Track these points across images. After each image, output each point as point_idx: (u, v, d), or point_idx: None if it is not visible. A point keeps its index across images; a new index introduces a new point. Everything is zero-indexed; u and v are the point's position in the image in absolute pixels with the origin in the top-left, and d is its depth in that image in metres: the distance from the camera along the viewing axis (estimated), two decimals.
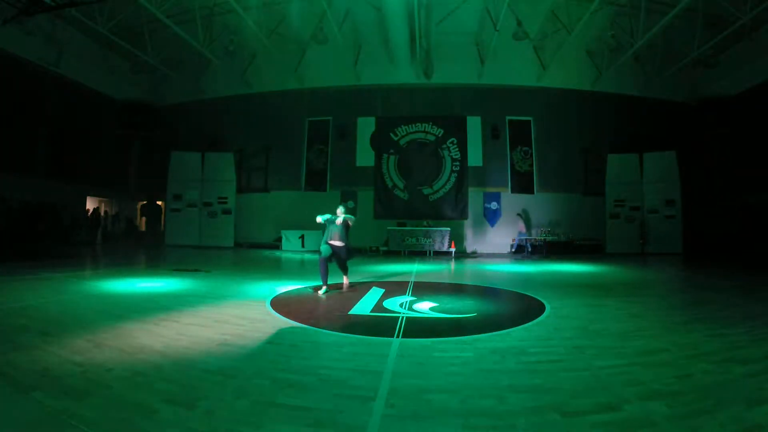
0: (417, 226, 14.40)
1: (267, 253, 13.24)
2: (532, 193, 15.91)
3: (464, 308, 4.71)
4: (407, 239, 13.95)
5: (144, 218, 19.15)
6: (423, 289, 6.07)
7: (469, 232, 15.78)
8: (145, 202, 19.04)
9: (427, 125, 16.27)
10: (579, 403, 2.12)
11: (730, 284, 6.76)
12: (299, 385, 2.33)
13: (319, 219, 5.85)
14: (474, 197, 15.86)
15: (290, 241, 14.79)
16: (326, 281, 5.68)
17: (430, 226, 14.31)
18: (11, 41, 12.72)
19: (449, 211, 15.75)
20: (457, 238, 14.96)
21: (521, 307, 4.85)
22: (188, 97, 17.55)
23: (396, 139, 16.34)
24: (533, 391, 2.28)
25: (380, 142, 16.30)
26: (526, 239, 14.18)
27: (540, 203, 15.74)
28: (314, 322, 3.85)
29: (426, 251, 13.74)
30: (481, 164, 15.95)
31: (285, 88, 16.65)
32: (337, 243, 5.79)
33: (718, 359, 2.80)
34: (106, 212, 17.72)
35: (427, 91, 16.23)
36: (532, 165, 16.01)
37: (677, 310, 4.59)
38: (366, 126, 16.46)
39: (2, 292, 5.05)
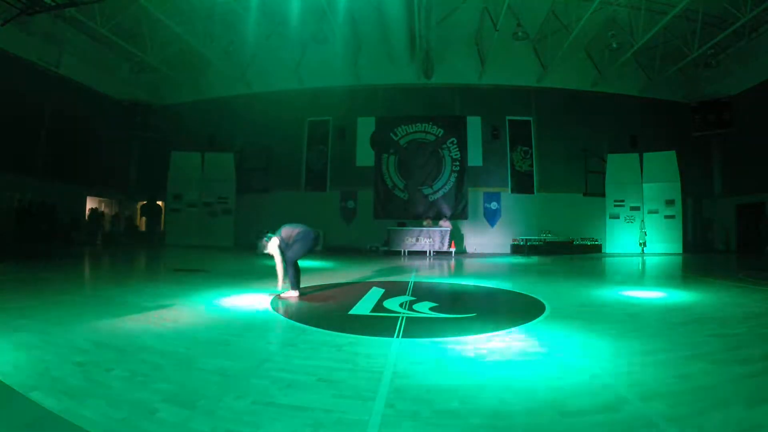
0: (417, 226, 14.40)
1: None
2: (532, 193, 15.93)
3: (464, 308, 4.72)
4: (407, 239, 13.95)
5: (144, 218, 19.14)
6: (423, 289, 6.07)
7: (469, 232, 15.80)
8: (145, 202, 19.04)
9: (427, 125, 16.28)
10: (579, 403, 2.12)
11: (729, 284, 6.76)
12: (299, 385, 2.33)
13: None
14: (474, 197, 15.88)
15: None
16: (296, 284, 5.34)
17: (430, 226, 14.30)
18: (11, 41, 12.72)
19: (449, 211, 15.77)
20: (457, 238, 14.97)
21: (521, 307, 4.85)
22: (188, 97, 17.57)
23: (396, 139, 16.35)
24: (533, 391, 2.28)
25: (380, 142, 16.31)
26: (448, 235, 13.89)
27: (540, 203, 15.76)
28: (314, 322, 3.85)
29: (426, 251, 13.74)
30: (481, 164, 15.97)
31: (285, 88, 16.66)
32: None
33: (718, 359, 2.80)
34: (104, 212, 17.70)
35: (427, 91, 16.25)
36: (532, 165, 16.04)
37: (677, 310, 4.59)
38: (366, 126, 16.47)
39: (2, 291, 5.05)
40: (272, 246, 5.28)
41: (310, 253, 5.43)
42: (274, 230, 5.40)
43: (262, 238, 5.36)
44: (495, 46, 14.50)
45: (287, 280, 5.26)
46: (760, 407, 2.04)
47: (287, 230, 5.34)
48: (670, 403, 2.09)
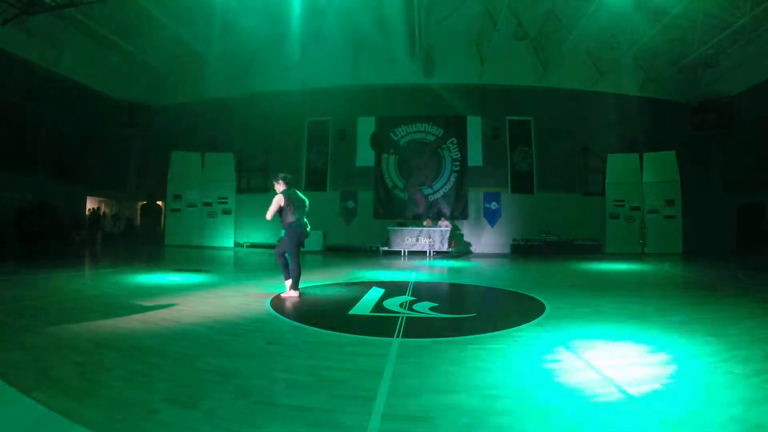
0: (417, 226, 14.40)
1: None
2: (532, 193, 15.92)
3: (464, 308, 4.72)
4: (407, 239, 13.95)
5: (144, 218, 19.15)
6: (423, 289, 6.07)
7: (469, 232, 15.79)
8: (145, 202, 19.05)
9: (427, 125, 16.28)
10: (579, 403, 2.12)
11: (729, 284, 6.76)
12: (299, 385, 2.33)
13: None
14: (474, 197, 15.88)
15: None
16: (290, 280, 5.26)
17: (430, 226, 14.31)
18: (11, 41, 12.72)
19: (449, 211, 15.77)
20: (457, 238, 14.97)
21: (521, 307, 4.84)
22: (188, 97, 17.56)
23: (396, 139, 16.35)
24: (533, 391, 2.28)
25: (380, 142, 16.31)
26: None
27: (540, 203, 15.75)
28: (314, 322, 3.85)
29: (426, 251, 13.74)
30: (481, 164, 15.96)
31: (285, 88, 16.65)
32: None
33: (718, 359, 2.80)
34: (104, 212, 17.71)
35: (427, 91, 16.23)
36: (532, 165, 16.03)
37: (677, 310, 4.58)
38: (366, 126, 16.47)
39: (2, 291, 5.05)
40: (279, 191, 5.23)
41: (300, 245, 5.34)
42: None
43: (279, 177, 5.29)
44: (495, 46, 14.49)
45: (290, 279, 5.24)
46: (760, 407, 2.04)
47: (291, 210, 5.20)
48: (670, 402, 2.09)
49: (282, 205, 5.16)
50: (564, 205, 15.56)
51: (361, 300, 5.02)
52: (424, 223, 14.71)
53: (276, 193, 5.24)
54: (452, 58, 15.94)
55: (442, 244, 13.73)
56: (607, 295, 5.70)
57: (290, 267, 5.18)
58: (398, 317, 4.10)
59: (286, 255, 5.21)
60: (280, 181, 5.27)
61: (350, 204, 16.17)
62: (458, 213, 15.81)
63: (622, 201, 15.12)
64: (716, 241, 15.86)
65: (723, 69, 14.84)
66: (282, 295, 5.20)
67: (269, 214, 5.15)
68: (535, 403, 2.13)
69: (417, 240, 13.91)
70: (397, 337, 3.38)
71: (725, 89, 15.25)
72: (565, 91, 15.92)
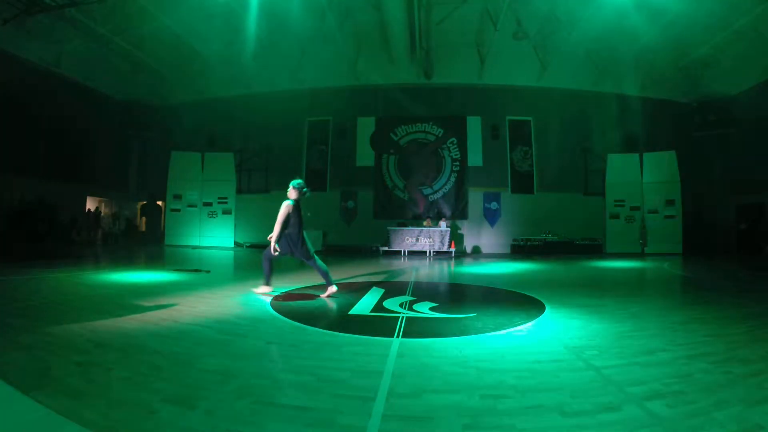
0: (417, 226, 14.40)
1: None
2: (532, 193, 15.93)
3: (464, 308, 4.71)
4: (407, 239, 13.95)
5: (144, 218, 19.15)
6: (423, 289, 6.07)
7: (469, 232, 15.80)
8: (145, 202, 19.05)
9: (427, 125, 16.30)
10: (579, 403, 2.12)
11: (729, 284, 6.76)
12: (299, 385, 2.33)
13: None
14: (474, 197, 15.88)
15: None
16: (268, 280, 5.32)
17: (430, 226, 14.31)
18: (11, 41, 12.72)
19: (449, 211, 15.78)
20: (457, 238, 14.98)
21: (521, 307, 4.84)
22: (188, 97, 17.56)
23: (396, 139, 16.37)
24: (533, 391, 2.28)
25: (380, 142, 16.32)
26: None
27: (540, 203, 15.76)
28: (314, 322, 3.85)
29: (426, 251, 13.74)
30: (481, 164, 15.98)
31: (285, 88, 16.65)
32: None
33: (718, 359, 2.80)
34: (102, 212, 17.71)
35: (427, 91, 16.24)
36: (532, 165, 16.04)
37: (677, 310, 4.58)
38: (366, 126, 16.48)
39: (2, 291, 5.05)
40: (291, 197, 5.15)
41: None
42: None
43: (295, 185, 5.20)
44: (495, 46, 14.49)
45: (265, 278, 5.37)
46: (760, 407, 2.04)
47: (295, 221, 5.17)
48: (670, 403, 2.09)
49: (290, 212, 5.11)
50: (564, 205, 15.56)
51: (361, 300, 5.02)
52: (424, 223, 14.71)
53: (287, 199, 5.17)
54: (452, 58, 15.94)
55: (442, 244, 13.73)
56: (608, 294, 5.70)
57: (263, 264, 5.29)
58: (398, 317, 4.10)
59: (272, 259, 5.23)
60: (293, 189, 5.22)
61: (350, 204, 16.18)
62: (458, 213, 15.81)
63: (622, 201, 15.13)
64: (716, 241, 15.87)
65: (723, 69, 14.83)
66: (254, 290, 5.36)
67: (276, 227, 5.06)
68: (536, 404, 2.13)
69: (417, 240, 13.91)
70: (397, 337, 3.38)
71: (725, 89, 15.25)
72: (565, 91, 15.92)
